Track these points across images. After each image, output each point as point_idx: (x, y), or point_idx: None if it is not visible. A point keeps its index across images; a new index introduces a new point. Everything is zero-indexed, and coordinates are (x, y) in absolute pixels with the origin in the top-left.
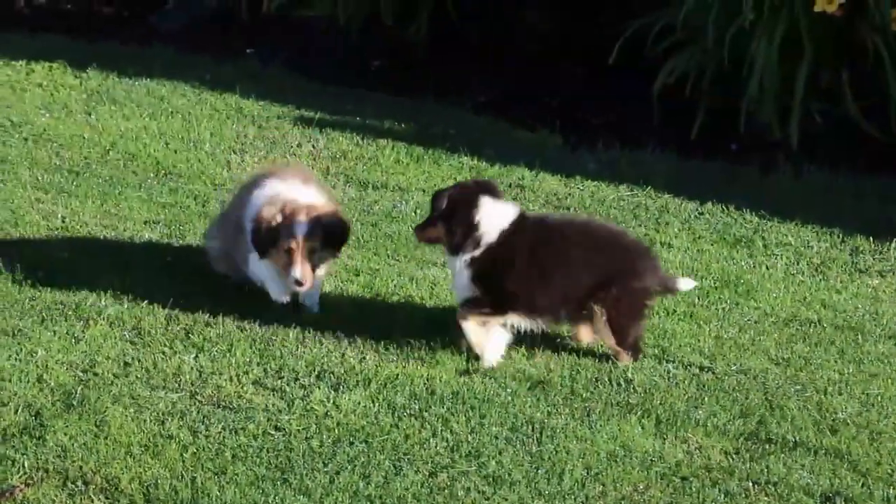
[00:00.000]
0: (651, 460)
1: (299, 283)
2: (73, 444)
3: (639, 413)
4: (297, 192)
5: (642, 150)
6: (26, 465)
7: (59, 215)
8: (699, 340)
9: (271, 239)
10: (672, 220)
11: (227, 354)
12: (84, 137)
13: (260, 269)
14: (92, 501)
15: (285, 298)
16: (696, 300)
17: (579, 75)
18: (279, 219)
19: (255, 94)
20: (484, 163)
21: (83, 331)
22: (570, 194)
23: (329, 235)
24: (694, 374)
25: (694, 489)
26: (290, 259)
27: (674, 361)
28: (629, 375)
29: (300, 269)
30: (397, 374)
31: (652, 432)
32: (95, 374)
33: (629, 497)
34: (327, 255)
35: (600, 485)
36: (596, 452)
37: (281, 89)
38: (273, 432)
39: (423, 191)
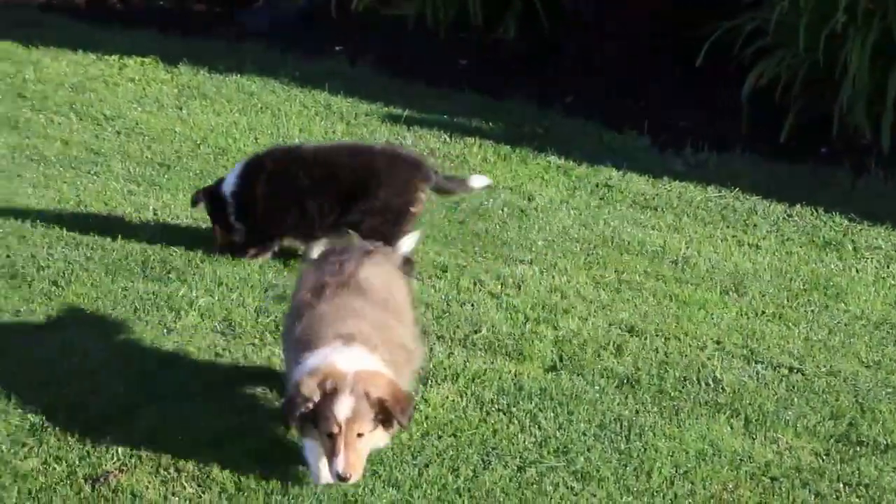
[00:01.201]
0: (740, 460)
1: (342, 479)
2: (166, 432)
3: (728, 413)
4: (347, 354)
5: (731, 152)
6: (120, 452)
7: (151, 207)
8: (788, 342)
9: (311, 420)
10: (760, 222)
11: None
12: (175, 131)
13: (301, 441)
14: (184, 488)
15: (325, 481)
16: (785, 301)
17: (668, 77)
18: (317, 397)
19: (343, 91)
20: (572, 162)
21: (175, 322)
22: (657, 195)
23: (382, 415)
24: (783, 375)
25: (784, 489)
26: (332, 446)
27: (763, 362)
28: (718, 375)
29: (343, 462)
30: (485, 370)
31: (741, 432)
32: (185, 364)
33: (718, 496)
34: (381, 436)
35: (689, 483)
36: (684, 451)
37: (369, 87)
38: None
39: (511, 189)
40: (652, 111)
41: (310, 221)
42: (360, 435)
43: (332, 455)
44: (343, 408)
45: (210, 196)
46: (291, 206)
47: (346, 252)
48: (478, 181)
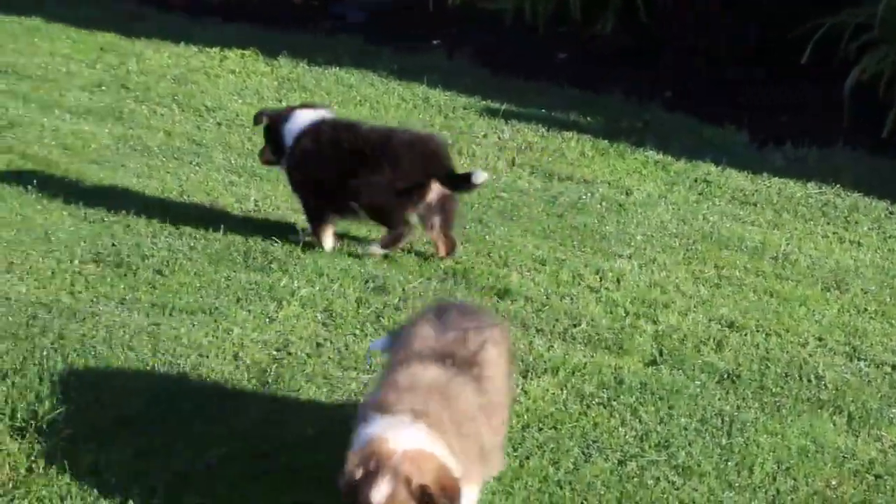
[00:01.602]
0: (843, 457)
1: None
2: (267, 422)
3: (830, 409)
4: (406, 431)
5: (832, 147)
6: (221, 443)
7: (252, 198)
8: (891, 339)
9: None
10: (862, 219)
11: None
12: None
13: None
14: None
15: None
16: (888, 299)
17: (769, 73)
18: (358, 475)
19: (441, 84)
20: (670, 157)
21: (277, 311)
22: (756, 190)
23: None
24: (886, 373)
25: (888, 487)
26: None
27: (865, 359)
28: (820, 372)
29: None
30: (585, 363)
31: (844, 429)
32: (289, 354)
33: (821, 493)
34: None
35: (791, 479)
36: (787, 447)
37: (467, 80)
38: None
39: (609, 184)
40: (752, 106)
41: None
42: None
43: None
44: (378, 494)
45: (273, 123)
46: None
47: (471, 318)
48: (479, 177)
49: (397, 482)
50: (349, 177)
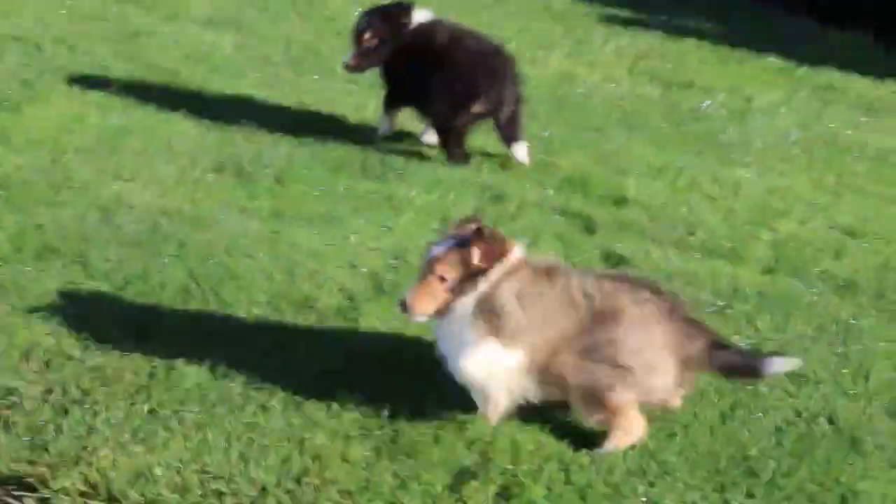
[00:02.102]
0: None
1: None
2: (384, 328)
3: None
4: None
5: None
6: (343, 347)
7: (370, 107)
8: None
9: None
10: None
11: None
12: None
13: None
14: (404, 380)
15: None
16: None
17: None
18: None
19: None
20: (793, 63)
21: (394, 219)
22: (879, 97)
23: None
24: None
25: None
26: None
27: None
28: None
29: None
30: (700, 272)
31: None
32: (406, 262)
33: None
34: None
35: None
36: None
37: None
38: None
39: (729, 91)
40: (879, 7)
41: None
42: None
43: None
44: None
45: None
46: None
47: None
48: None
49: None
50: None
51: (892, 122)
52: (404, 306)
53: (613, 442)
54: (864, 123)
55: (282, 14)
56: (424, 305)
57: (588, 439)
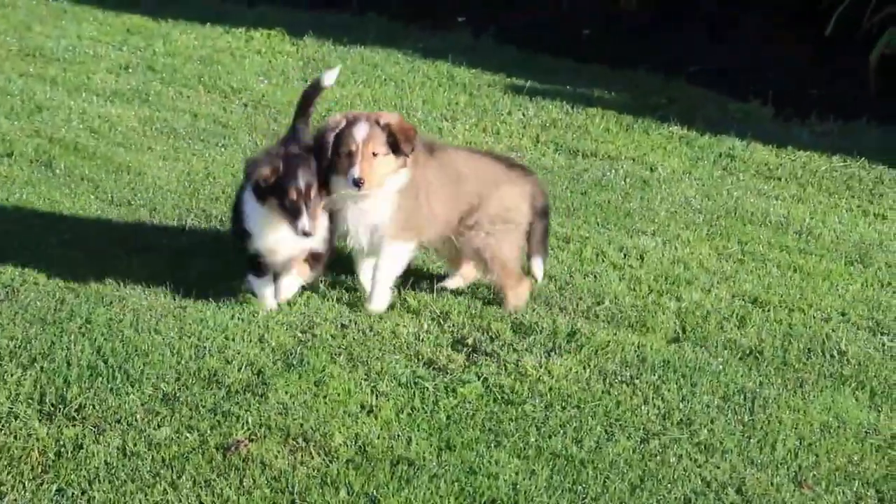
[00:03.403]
0: (866, 432)
1: (356, 183)
2: (293, 403)
3: (853, 385)
4: None
5: (857, 120)
6: (250, 421)
7: None
8: None
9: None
10: (887, 191)
11: (442, 320)
12: None
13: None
14: (312, 458)
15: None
16: None
17: (794, 47)
18: (342, 123)
19: (466, 62)
20: (694, 132)
21: (302, 294)
22: (781, 164)
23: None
24: None
25: None
26: (350, 161)
27: (889, 333)
28: (843, 347)
29: (357, 170)
30: (608, 342)
31: (867, 404)
32: (314, 335)
33: (843, 468)
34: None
35: (814, 455)
36: (809, 423)
37: (492, 58)
38: (486, 395)
39: (633, 160)
40: (777, 80)
41: None
42: (374, 154)
43: (349, 167)
44: (359, 131)
45: None
46: None
47: None
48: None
49: (371, 122)
50: None
51: (792, 189)
52: (357, 182)
53: (511, 303)
54: (766, 191)
55: (188, 86)
56: (373, 178)
57: None
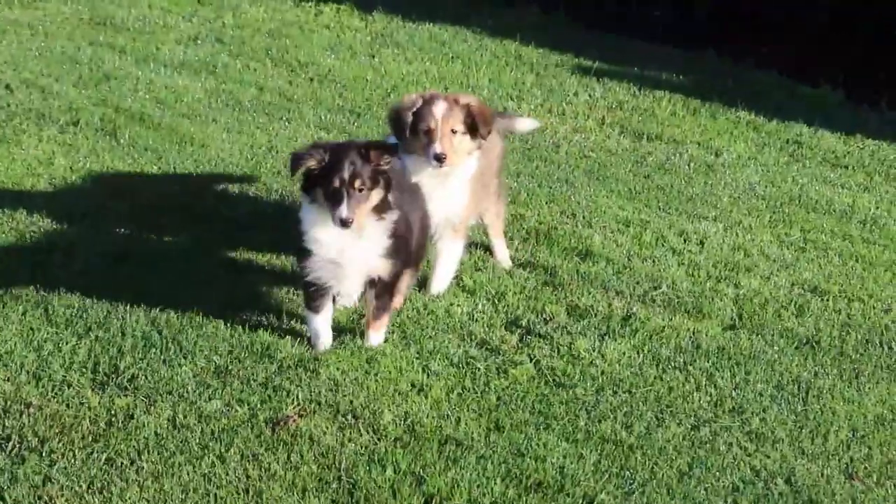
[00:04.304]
0: None
1: (438, 159)
2: (344, 380)
3: None
4: None
5: None
6: (300, 396)
7: None
8: None
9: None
10: None
11: (497, 300)
12: (367, 79)
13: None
14: (360, 435)
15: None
16: None
17: (867, 30)
18: (418, 102)
19: (535, 41)
20: (762, 118)
21: None
22: (848, 152)
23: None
24: None
25: None
26: (430, 138)
27: None
28: None
29: (439, 146)
30: (663, 327)
31: None
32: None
33: (895, 462)
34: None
35: (866, 447)
36: (863, 415)
37: (561, 37)
38: (537, 378)
39: (699, 144)
40: (848, 65)
41: None
42: (453, 131)
43: (429, 144)
44: (438, 109)
45: None
46: None
47: None
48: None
49: (450, 101)
50: None
51: (858, 178)
52: (439, 158)
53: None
54: (832, 179)
55: (256, 58)
56: (454, 155)
57: None
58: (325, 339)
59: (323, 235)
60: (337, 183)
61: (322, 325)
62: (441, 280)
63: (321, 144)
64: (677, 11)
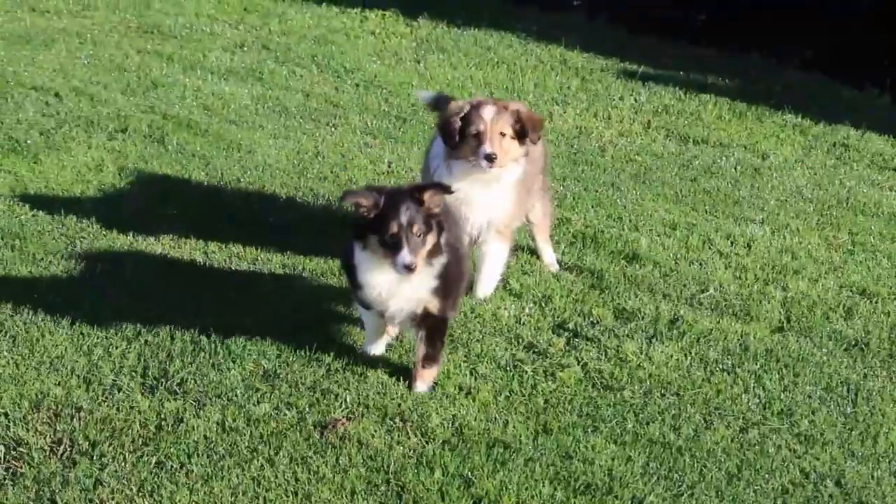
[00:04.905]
0: None
1: (489, 159)
2: (392, 383)
3: None
4: None
5: None
6: (348, 399)
7: (386, 160)
8: None
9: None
10: None
11: (544, 303)
12: (412, 85)
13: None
14: (408, 438)
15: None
16: None
17: None
18: (466, 107)
19: (579, 45)
20: (808, 121)
21: None
22: (895, 156)
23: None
24: None
25: None
26: (479, 141)
27: None
28: None
29: (489, 146)
30: (711, 329)
31: None
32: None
33: None
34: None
35: None
36: None
37: (605, 41)
38: (585, 380)
39: (745, 147)
40: (894, 67)
41: None
42: (502, 134)
43: (479, 146)
44: (487, 112)
45: None
46: None
47: None
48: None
49: (499, 106)
50: None
51: None
52: (490, 158)
53: None
54: (879, 181)
55: (302, 65)
56: (504, 157)
57: None
58: (375, 346)
59: (379, 280)
60: (395, 228)
61: (374, 323)
62: (487, 283)
63: (375, 188)
64: (721, 14)
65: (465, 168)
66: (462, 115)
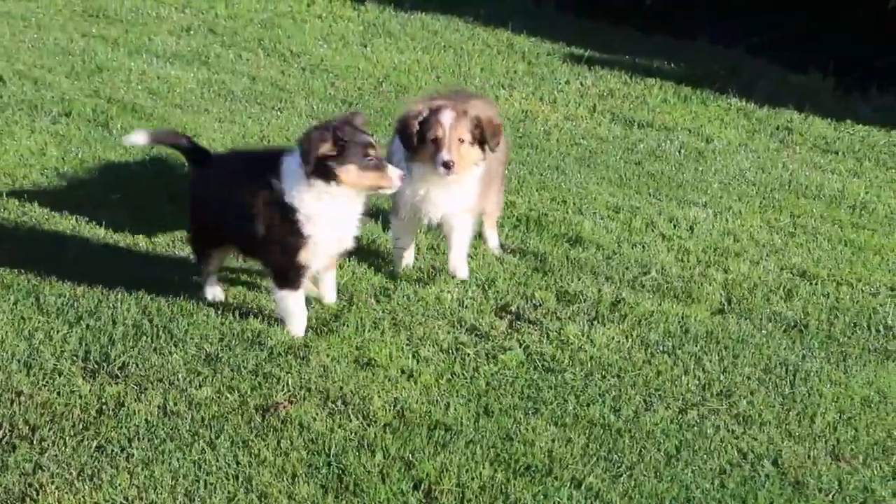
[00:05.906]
0: None
1: (446, 166)
2: (334, 366)
3: None
4: None
5: None
6: (290, 383)
7: None
8: None
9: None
10: None
11: (487, 286)
12: (359, 69)
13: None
14: (350, 421)
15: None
16: None
17: (858, 18)
18: (425, 111)
19: (526, 30)
20: (752, 104)
21: (347, 260)
22: (838, 138)
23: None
24: None
25: None
26: (437, 147)
27: None
28: (889, 322)
29: (447, 154)
30: (652, 312)
31: None
32: (358, 300)
33: (882, 443)
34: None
35: (852, 429)
36: (850, 397)
37: (552, 26)
38: (527, 363)
39: (689, 130)
40: (839, 52)
41: None
42: (460, 140)
43: (437, 153)
44: (446, 117)
45: None
46: None
47: None
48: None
49: (458, 111)
50: None
51: (848, 163)
52: (447, 165)
53: None
54: (822, 164)
55: (248, 49)
56: (462, 163)
57: None
58: (302, 322)
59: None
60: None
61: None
62: (459, 256)
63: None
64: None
65: (424, 172)
66: (421, 119)
